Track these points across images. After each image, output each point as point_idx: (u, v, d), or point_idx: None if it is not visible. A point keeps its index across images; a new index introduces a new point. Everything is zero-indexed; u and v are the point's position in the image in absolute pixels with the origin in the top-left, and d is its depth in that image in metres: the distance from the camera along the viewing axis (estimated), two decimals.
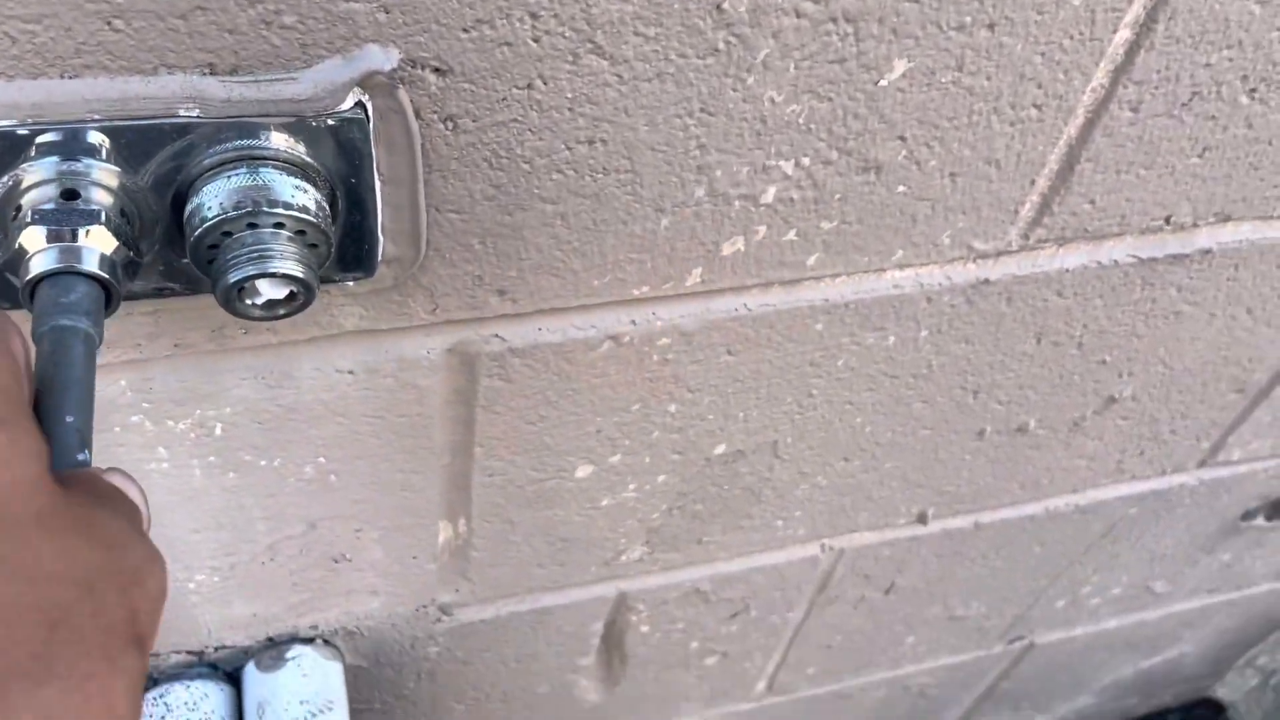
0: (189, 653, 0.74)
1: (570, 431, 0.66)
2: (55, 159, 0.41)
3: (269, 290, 0.43)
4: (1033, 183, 0.60)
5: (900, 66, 0.50)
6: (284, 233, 0.43)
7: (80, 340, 0.38)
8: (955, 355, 0.71)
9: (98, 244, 0.41)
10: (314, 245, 0.44)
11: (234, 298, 0.43)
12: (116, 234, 0.41)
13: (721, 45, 0.46)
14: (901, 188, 0.57)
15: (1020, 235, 0.63)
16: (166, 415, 0.55)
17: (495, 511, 0.71)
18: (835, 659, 1.13)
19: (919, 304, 0.65)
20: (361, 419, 0.59)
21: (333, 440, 0.60)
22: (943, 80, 0.52)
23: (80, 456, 0.34)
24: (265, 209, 0.42)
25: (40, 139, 0.41)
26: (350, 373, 0.56)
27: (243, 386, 0.55)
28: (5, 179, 0.41)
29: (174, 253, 0.46)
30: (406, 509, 0.68)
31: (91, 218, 0.41)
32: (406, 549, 0.72)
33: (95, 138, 0.41)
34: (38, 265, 0.40)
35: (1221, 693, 1.81)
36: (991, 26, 0.50)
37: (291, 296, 0.44)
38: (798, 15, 0.46)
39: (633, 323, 0.60)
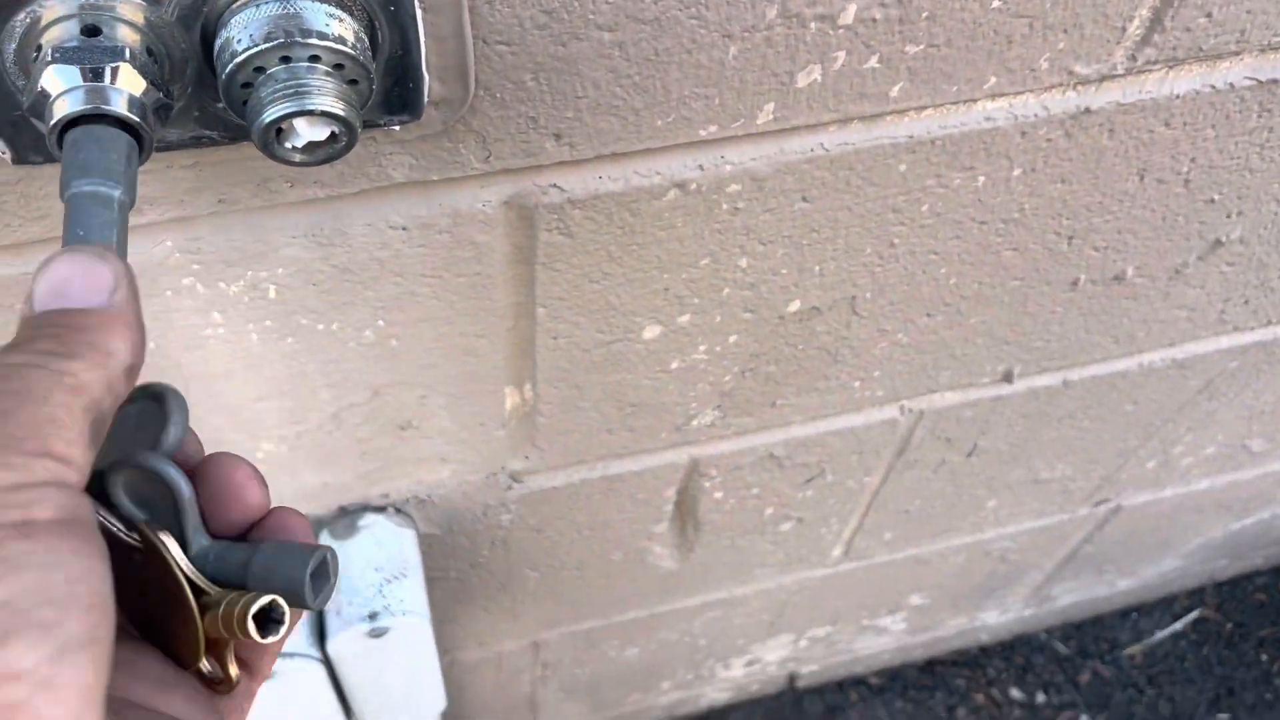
0: None
1: (636, 290, 0.63)
2: None
3: (308, 131, 0.40)
4: None
5: None
6: (320, 66, 0.40)
7: (108, 208, 0.35)
8: (1050, 197, 0.66)
9: (126, 84, 0.38)
10: (354, 81, 0.41)
11: (271, 140, 0.40)
12: (144, 73, 0.38)
13: None
14: (997, 3, 0.51)
15: (1127, 57, 0.57)
16: (218, 277, 0.53)
17: (562, 376, 0.69)
18: (913, 524, 1.11)
19: (1012, 139, 0.60)
20: (419, 279, 0.57)
21: (391, 302, 0.58)
22: None
23: None
24: (299, 39, 0.39)
25: None
26: (404, 229, 0.54)
27: (293, 245, 0.52)
28: (23, 15, 0.38)
29: (208, 96, 0.43)
30: (471, 375, 0.66)
31: (117, 55, 0.38)
32: (473, 416, 0.70)
33: None
34: (63, 108, 0.37)
35: None
36: None
37: (333, 138, 0.41)
38: None
39: (700, 168, 0.56)
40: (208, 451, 0.37)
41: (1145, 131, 0.63)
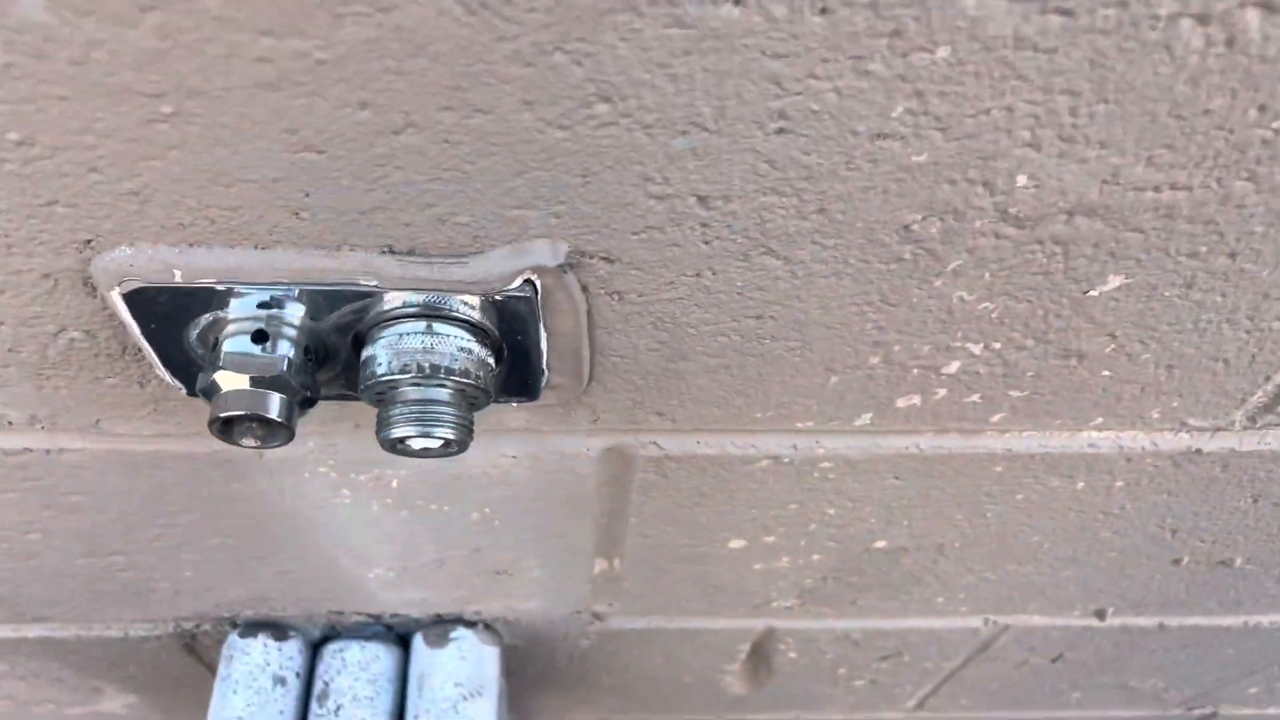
0: (368, 615, 0.82)
1: (725, 516, 0.66)
2: (251, 302, 0.44)
3: (425, 443, 0.46)
4: (1268, 379, 0.53)
5: (1116, 281, 0.45)
6: (445, 392, 0.45)
7: None
8: (1154, 503, 0.66)
9: (279, 389, 0.44)
10: (473, 400, 0.46)
11: (394, 446, 0.46)
12: (297, 377, 0.45)
13: (908, 256, 0.43)
14: (1107, 372, 0.52)
15: (1246, 419, 0.57)
16: (349, 470, 0.60)
17: (648, 561, 0.73)
18: (991, 698, 1.11)
19: (1116, 462, 0.61)
20: (524, 488, 0.62)
21: (497, 499, 0.64)
22: (1166, 294, 0.46)
23: None
24: (428, 374, 0.44)
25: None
26: (514, 457, 0.59)
27: (416, 459, 0.59)
28: (208, 315, 0.45)
29: (353, 371, 0.49)
30: (564, 549, 0.71)
31: (275, 366, 0.44)
32: (563, 572, 0.76)
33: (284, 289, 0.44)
34: (225, 407, 0.44)
35: None
36: (1233, 255, 0.44)
37: (447, 445, 0.46)
38: (998, 237, 0.42)
39: (794, 447, 0.59)
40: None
41: (1262, 470, 0.62)
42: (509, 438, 0.57)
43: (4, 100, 0.34)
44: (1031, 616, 0.87)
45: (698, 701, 1.09)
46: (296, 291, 0.44)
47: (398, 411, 0.45)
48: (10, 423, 0.54)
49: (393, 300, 0.44)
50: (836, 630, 0.88)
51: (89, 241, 0.41)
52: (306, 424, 0.55)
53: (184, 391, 0.50)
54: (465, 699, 0.80)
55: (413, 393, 0.45)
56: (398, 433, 0.45)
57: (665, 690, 1.05)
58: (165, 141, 0.36)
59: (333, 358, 0.48)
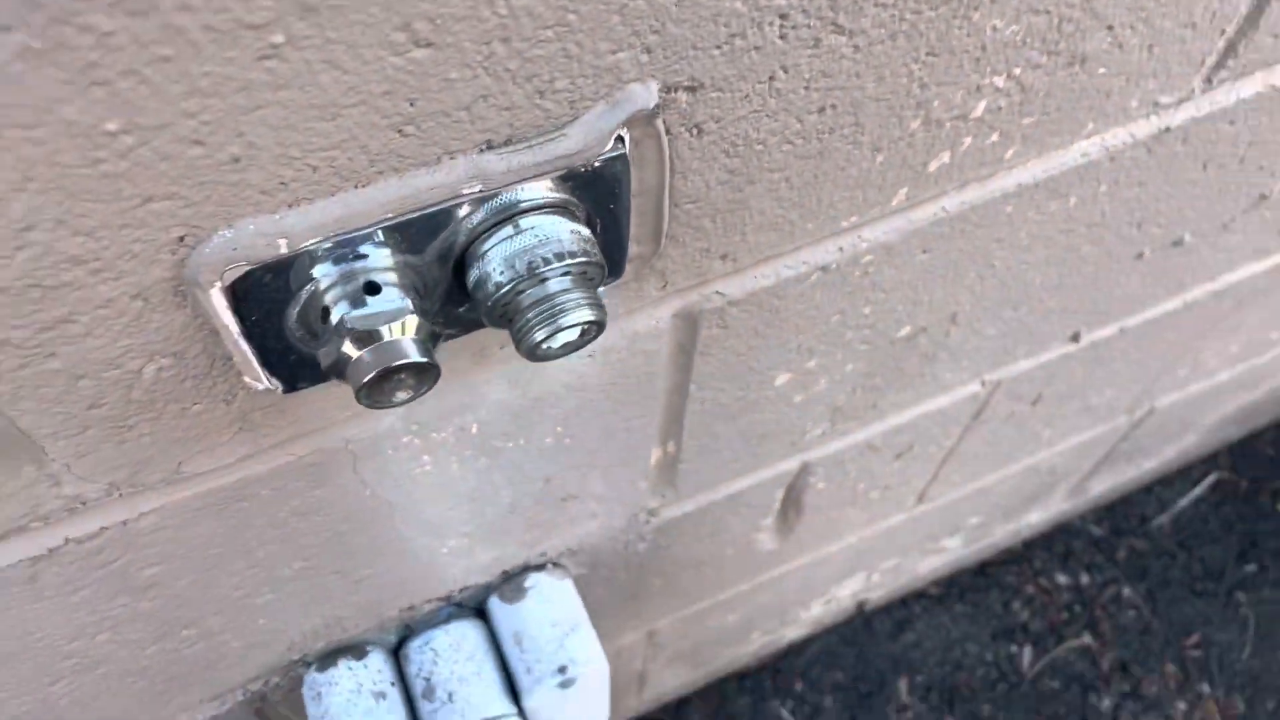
0: (438, 599, 0.80)
1: (774, 353, 0.68)
2: (342, 260, 0.41)
3: (567, 335, 0.45)
4: (1222, 32, 0.58)
5: None
6: (569, 279, 0.44)
7: None
8: (1127, 199, 0.72)
9: (410, 332, 0.42)
10: (592, 279, 0.45)
11: (537, 353, 0.45)
12: (422, 314, 0.43)
13: None
14: (1102, 70, 0.56)
15: (1204, 81, 0.62)
16: (431, 430, 0.57)
17: (703, 430, 0.74)
18: (979, 464, 1.19)
19: (1102, 165, 0.65)
20: (596, 390, 0.62)
21: (570, 412, 0.63)
22: None
23: None
24: (554, 264, 0.43)
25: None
26: (589, 357, 0.58)
27: (498, 391, 0.57)
28: (308, 288, 0.42)
29: (452, 305, 0.47)
30: (626, 447, 0.71)
31: (401, 312, 0.42)
32: (623, 477, 0.76)
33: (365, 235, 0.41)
34: (367, 368, 0.41)
35: None
36: None
37: (584, 331, 0.45)
38: None
39: (840, 250, 0.61)
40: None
41: (1212, 132, 0.68)
42: None
43: (103, 81, 0.31)
44: (1019, 363, 0.93)
45: (734, 573, 1.12)
46: (380, 234, 0.42)
47: (532, 315, 0.43)
48: (84, 503, 0.49)
49: (477, 212, 0.43)
50: (860, 441, 0.91)
51: (182, 239, 0.37)
52: None
53: (280, 390, 0.46)
54: (567, 635, 0.79)
55: (538, 291, 0.43)
56: (541, 335, 0.43)
57: (707, 573, 1.07)
58: (275, 81, 0.33)
59: (431, 295, 0.46)
